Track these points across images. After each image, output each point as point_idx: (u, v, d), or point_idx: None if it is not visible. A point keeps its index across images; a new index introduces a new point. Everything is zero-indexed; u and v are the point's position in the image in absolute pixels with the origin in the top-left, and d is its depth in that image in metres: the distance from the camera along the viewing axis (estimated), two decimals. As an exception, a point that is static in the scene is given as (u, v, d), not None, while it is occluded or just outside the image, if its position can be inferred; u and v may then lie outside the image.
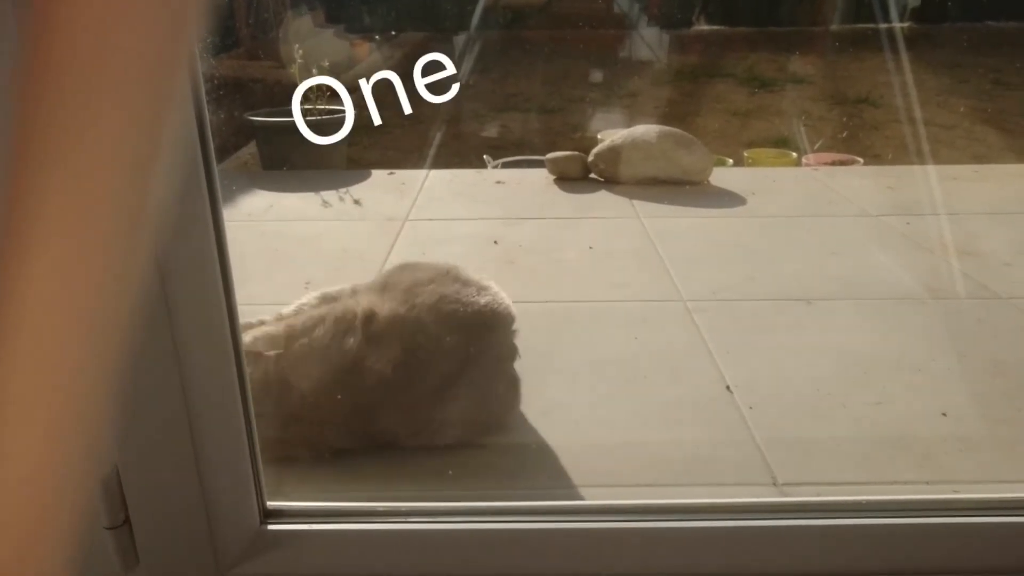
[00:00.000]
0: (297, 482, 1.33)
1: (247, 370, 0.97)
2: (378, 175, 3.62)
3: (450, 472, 1.30)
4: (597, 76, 6.03)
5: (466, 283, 1.51)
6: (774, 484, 1.32)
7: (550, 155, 3.49)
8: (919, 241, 2.67)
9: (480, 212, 3.06)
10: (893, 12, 5.29)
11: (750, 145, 4.39)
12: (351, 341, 1.38)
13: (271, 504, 1.03)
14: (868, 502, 1.08)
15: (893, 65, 4.40)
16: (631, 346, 1.85)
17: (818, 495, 1.30)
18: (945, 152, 4.26)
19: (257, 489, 1.00)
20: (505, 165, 3.90)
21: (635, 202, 3.12)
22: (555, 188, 3.37)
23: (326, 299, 1.56)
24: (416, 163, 3.94)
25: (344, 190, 3.32)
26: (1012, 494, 1.14)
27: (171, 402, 0.90)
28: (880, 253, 2.56)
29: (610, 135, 3.55)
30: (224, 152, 3.96)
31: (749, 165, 4.03)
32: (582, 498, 1.11)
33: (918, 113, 4.21)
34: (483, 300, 1.47)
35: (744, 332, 1.93)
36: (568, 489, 1.32)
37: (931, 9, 5.89)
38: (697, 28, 6.82)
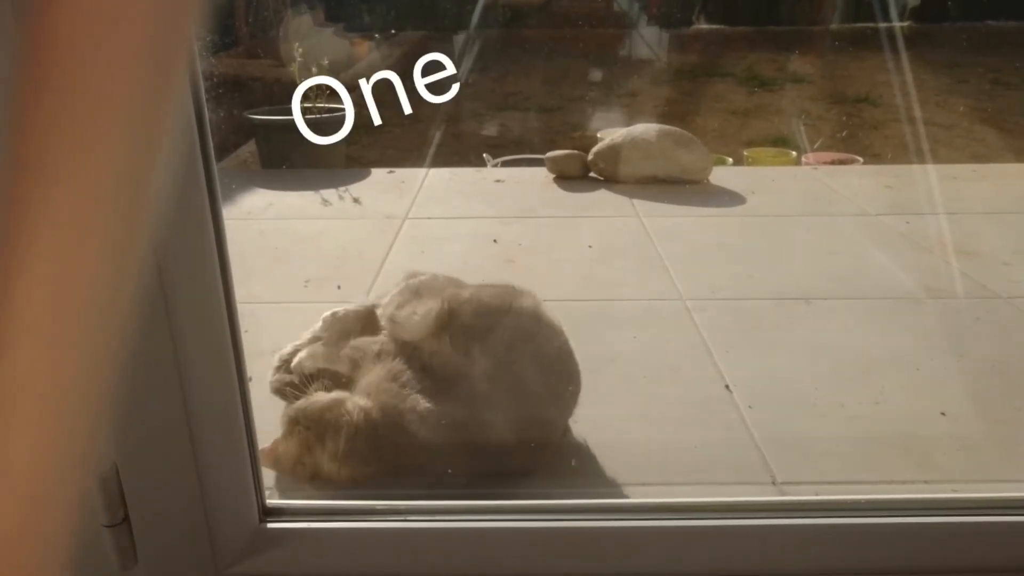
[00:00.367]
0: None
1: (247, 373, 0.97)
2: (378, 174, 3.61)
3: (449, 471, 1.30)
4: (596, 75, 6.03)
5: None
6: (773, 483, 1.33)
7: (549, 154, 3.49)
8: (918, 240, 2.67)
9: (479, 211, 3.06)
10: (893, 11, 5.28)
11: (750, 144, 4.39)
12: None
13: (270, 502, 1.04)
14: (867, 501, 1.08)
15: (893, 64, 4.40)
16: (630, 345, 1.85)
17: (817, 494, 1.31)
18: (944, 151, 4.25)
19: (256, 487, 1.00)
20: (504, 164, 3.90)
21: (635, 201, 3.12)
22: (554, 187, 3.37)
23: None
24: (416, 162, 3.94)
25: (344, 188, 3.32)
26: (1011, 493, 1.14)
27: (170, 400, 0.90)
28: (879, 252, 2.56)
29: (610, 134, 3.55)
30: (224, 150, 3.95)
31: (749, 164, 4.03)
32: (579, 497, 1.11)
33: (918, 112, 4.21)
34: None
35: (743, 331, 1.94)
36: (565, 488, 1.32)
37: (931, 8, 5.89)
38: (697, 27, 6.82)
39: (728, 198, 3.20)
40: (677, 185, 3.32)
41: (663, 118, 4.06)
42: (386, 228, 2.76)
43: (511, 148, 4.19)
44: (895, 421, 1.53)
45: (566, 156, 3.46)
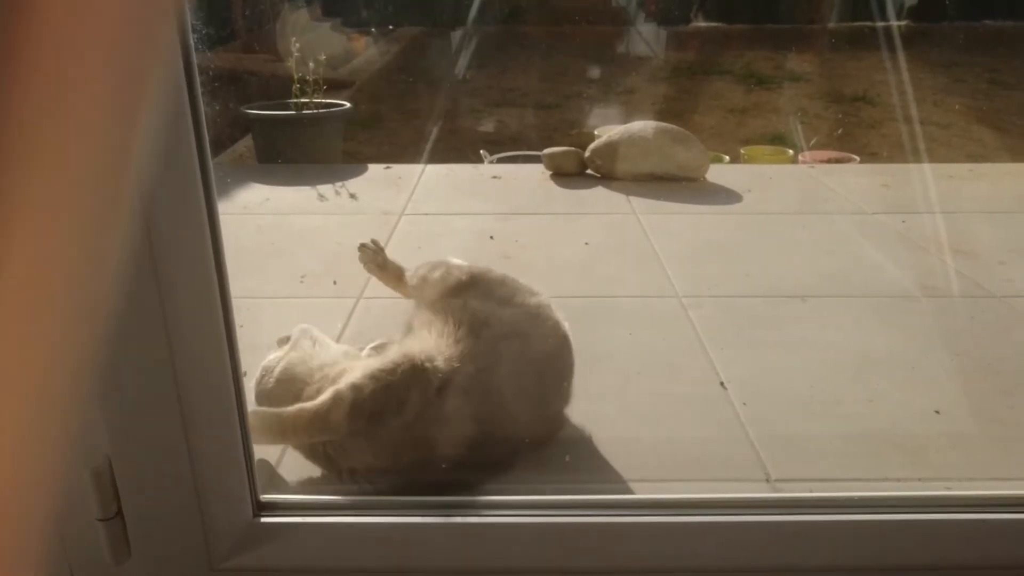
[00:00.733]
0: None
1: (242, 368, 0.97)
2: (374, 169, 3.61)
3: (443, 465, 1.30)
4: (594, 72, 6.03)
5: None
6: (767, 480, 1.33)
7: (546, 150, 3.48)
8: (914, 239, 2.68)
9: (476, 207, 3.06)
10: (891, 10, 5.29)
11: (747, 142, 4.40)
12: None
13: (264, 497, 1.04)
14: (860, 498, 1.08)
15: (890, 63, 4.40)
16: (625, 342, 1.85)
17: (810, 491, 1.30)
18: (941, 151, 4.26)
19: (250, 482, 1.00)
20: (501, 160, 3.90)
21: (631, 198, 3.12)
22: (551, 184, 3.37)
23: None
24: (412, 157, 3.94)
25: (340, 184, 3.31)
26: (1004, 491, 1.15)
27: (164, 394, 0.89)
28: (875, 251, 2.56)
29: (607, 131, 3.55)
30: (220, 145, 3.95)
31: (746, 162, 4.03)
32: (573, 493, 1.11)
33: (915, 112, 4.21)
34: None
35: (739, 328, 1.94)
36: (559, 484, 1.32)
37: (929, 8, 5.90)
38: (695, 24, 6.82)
39: (725, 196, 3.20)
40: (674, 182, 3.33)
41: (661, 115, 4.07)
42: (382, 224, 2.76)
43: (508, 145, 4.19)
44: (889, 419, 1.53)
45: (563, 153, 3.46)
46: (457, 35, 5.69)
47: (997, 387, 1.64)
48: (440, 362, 1.27)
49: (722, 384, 1.63)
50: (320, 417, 1.19)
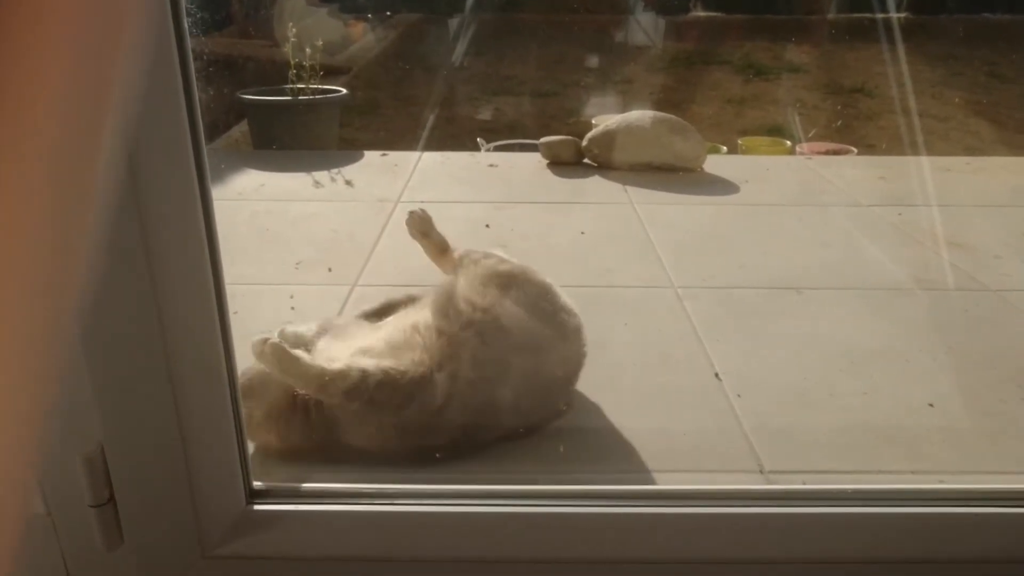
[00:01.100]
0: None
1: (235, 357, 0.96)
2: (371, 156, 3.60)
3: (437, 456, 1.30)
4: (592, 61, 6.00)
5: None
6: (760, 472, 1.33)
7: (543, 139, 3.47)
8: (910, 232, 2.68)
9: (473, 195, 3.05)
10: (890, 2, 5.28)
11: (745, 133, 4.39)
12: None
13: (257, 484, 1.03)
14: (854, 491, 1.08)
15: (889, 55, 4.39)
16: (621, 332, 1.85)
17: (804, 483, 1.31)
18: (938, 143, 4.26)
19: (243, 469, 1.00)
20: (498, 148, 3.89)
21: (628, 188, 3.11)
22: (548, 172, 3.36)
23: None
24: (409, 145, 3.92)
25: (336, 171, 3.30)
26: (997, 485, 1.15)
27: (157, 381, 0.89)
28: (871, 243, 2.56)
29: (604, 120, 3.54)
30: (216, 130, 3.93)
31: (743, 153, 4.03)
32: (567, 483, 1.11)
33: (912, 104, 4.21)
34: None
35: (734, 320, 1.94)
36: (553, 474, 1.32)
37: (928, 0, 5.88)
38: (694, 14, 6.79)
39: (721, 187, 3.20)
40: (671, 173, 3.32)
41: (659, 105, 4.06)
42: (378, 211, 2.75)
43: (505, 133, 4.18)
44: (883, 412, 1.53)
45: (560, 142, 3.45)
46: (455, 22, 5.66)
47: (991, 381, 1.64)
48: (446, 372, 1.31)
49: (717, 375, 1.63)
50: (324, 380, 1.27)
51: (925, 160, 3.70)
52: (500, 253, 1.59)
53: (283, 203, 2.98)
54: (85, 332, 0.84)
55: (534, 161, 3.47)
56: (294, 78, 3.63)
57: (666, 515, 1.03)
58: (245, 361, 1.66)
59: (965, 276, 2.25)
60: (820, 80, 5.61)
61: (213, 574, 1.00)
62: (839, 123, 4.61)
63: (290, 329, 1.54)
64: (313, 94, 3.68)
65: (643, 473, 1.33)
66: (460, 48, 5.33)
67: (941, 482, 1.30)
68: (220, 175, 3.18)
